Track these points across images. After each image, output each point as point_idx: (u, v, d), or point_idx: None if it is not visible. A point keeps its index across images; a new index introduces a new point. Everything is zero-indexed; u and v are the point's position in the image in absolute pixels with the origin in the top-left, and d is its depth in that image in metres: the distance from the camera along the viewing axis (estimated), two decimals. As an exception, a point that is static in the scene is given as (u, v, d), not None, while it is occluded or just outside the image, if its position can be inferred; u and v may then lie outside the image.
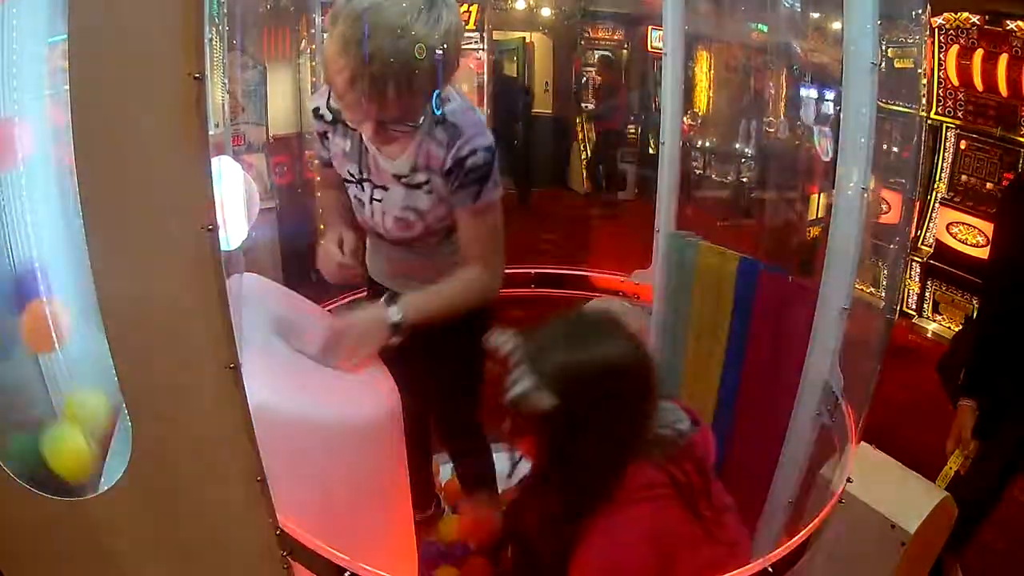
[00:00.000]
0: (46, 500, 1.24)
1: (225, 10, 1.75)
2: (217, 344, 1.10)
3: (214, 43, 1.44)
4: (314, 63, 6.74)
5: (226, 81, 2.02)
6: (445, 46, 1.47)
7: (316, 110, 1.79)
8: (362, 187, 1.80)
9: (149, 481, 1.20)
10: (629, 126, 8.41)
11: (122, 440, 1.37)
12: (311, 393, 1.43)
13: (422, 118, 1.62)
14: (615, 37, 8.97)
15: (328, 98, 1.69)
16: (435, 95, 1.58)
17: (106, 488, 1.23)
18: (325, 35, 1.65)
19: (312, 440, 1.33)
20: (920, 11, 1.95)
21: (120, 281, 1.09)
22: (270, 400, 1.25)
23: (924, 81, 4.82)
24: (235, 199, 1.68)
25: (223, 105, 1.90)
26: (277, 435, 1.21)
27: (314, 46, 6.66)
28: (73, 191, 1.37)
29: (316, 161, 1.93)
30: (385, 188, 1.76)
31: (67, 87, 1.14)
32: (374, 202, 1.79)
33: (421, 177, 1.72)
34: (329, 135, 1.82)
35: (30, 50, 1.43)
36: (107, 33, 1.00)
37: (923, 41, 2.13)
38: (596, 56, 9.03)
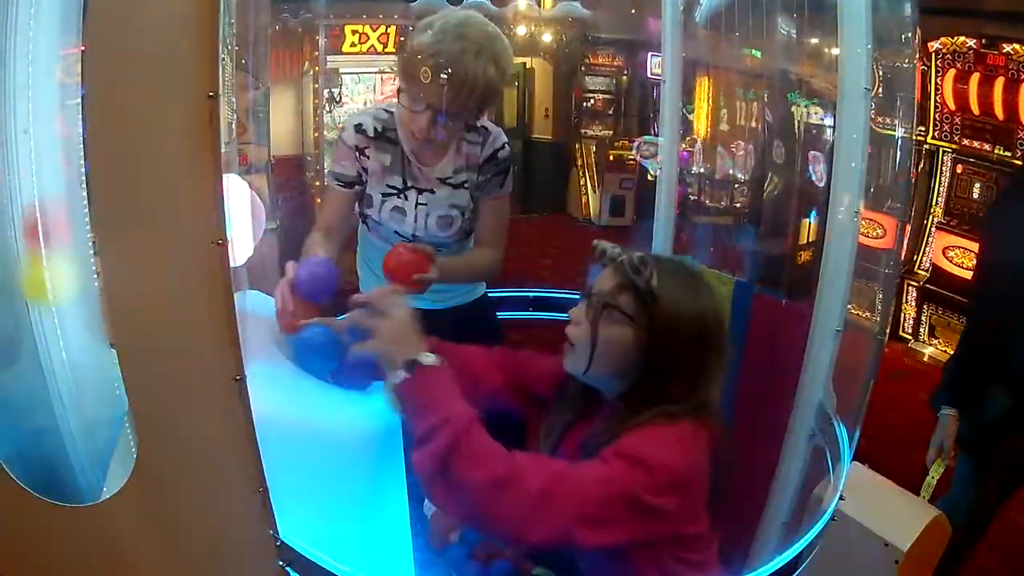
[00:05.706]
0: (50, 506, 1.25)
1: (235, 30, 1.79)
2: (224, 356, 1.12)
3: (225, 63, 1.47)
4: (316, 85, 6.80)
5: (233, 100, 2.05)
6: (510, 70, 1.81)
7: (359, 125, 1.94)
8: (405, 196, 1.99)
9: (152, 490, 1.21)
10: (628, 152, 8.45)
11: (126, 448, 1.40)
12: (312, 404, 1.45)
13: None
14: (615, 63, 9.02)
15: (373, 115, 1.94)
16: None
17: (109, 496, 1.25)
18: (413, 35, 1.80)
19: (313, 449, 1.34)
20: (910, 34, 1.98)
21: (130, 291, 1.11)
22: (273, 411, 1.26)
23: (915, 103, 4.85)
24: (242, 216, 1.71)
25: (231, 124, 1.94)
26: (279, 446, 1.22)
27: (317, 68, 6.73)
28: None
29: (335, 182, 1.98)
30: (432, 191, 1.99)
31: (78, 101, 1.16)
32: (419, 206, 1.99)
33: (462, 176, 1.99)
34: (368, 150, 1.95)
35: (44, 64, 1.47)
36: (124, 50, 1.03)
37: (913, 64, 2.17)
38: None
